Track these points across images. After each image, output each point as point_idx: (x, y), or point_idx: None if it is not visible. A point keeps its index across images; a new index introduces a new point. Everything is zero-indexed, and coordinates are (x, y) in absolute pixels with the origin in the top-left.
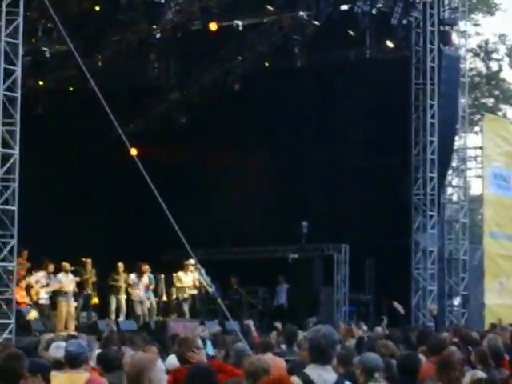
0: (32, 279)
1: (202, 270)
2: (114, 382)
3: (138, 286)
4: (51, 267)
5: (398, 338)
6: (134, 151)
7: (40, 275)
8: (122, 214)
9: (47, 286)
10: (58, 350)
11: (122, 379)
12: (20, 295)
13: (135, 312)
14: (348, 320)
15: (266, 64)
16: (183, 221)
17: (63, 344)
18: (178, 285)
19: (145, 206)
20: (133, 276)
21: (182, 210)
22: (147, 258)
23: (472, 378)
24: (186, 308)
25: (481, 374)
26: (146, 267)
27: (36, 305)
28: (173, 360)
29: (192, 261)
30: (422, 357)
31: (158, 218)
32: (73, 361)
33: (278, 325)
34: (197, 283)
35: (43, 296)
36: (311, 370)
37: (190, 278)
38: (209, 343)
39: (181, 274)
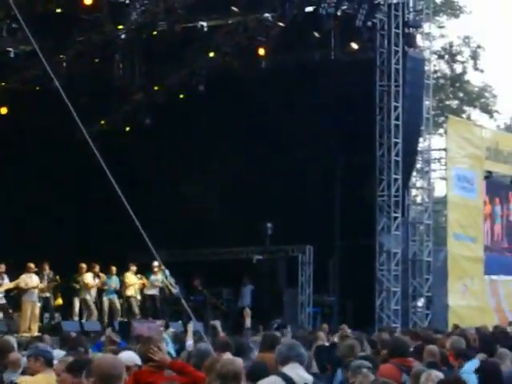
0: None
1: (166, 272)
2: None
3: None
4: (1, 267)
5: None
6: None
7: None
8: (87, 215)
9: (0, 285)
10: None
11: None
12: None
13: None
14: (312, 321)
15: (231, 65)
16: (147, 222)
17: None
18: (128, 285)
19: (110, 206)
20: (88, 276)
21: (146, 211)
22: (112, 260)
23: (427, 378)
24: (134, 308)
25: (435, 374)
26: (112, 268)
27: None
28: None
29: (155, 263)
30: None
31: (123, 218)
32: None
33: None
34: (145, 282)
35: None
36: (288, 370)
37: (134, 279)
38: (170, 343)
39: (127, 274)
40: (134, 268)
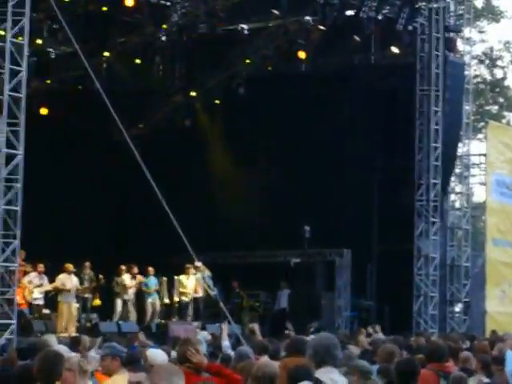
0: (25, 280)
1: (208, 273)
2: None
3: (131, 288)
4: (41, 267)
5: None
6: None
7: (32, 275)
8: (127, 217)
9: (40, 285)
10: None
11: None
12: (21, 296)
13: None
14: (349, 325)
15: (271, 68)
16: (187, 225)
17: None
18: (181, 289)
19: (150, 209)
20: (126, 277)
21: (186, 214)
22: (151, 261)
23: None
24: (189, 311)
25: (485, 380)
26: (150, 269)
27: (31, 305)
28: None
29: (197, 263)
30: None
31: (163, 221)
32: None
33: (290, 327)
34: (199, 287)
35: (37, 296)
36: (321, 374)
37: (191, 282)
38: (204, 345)
39: (182, 277)
40: (192, 270)
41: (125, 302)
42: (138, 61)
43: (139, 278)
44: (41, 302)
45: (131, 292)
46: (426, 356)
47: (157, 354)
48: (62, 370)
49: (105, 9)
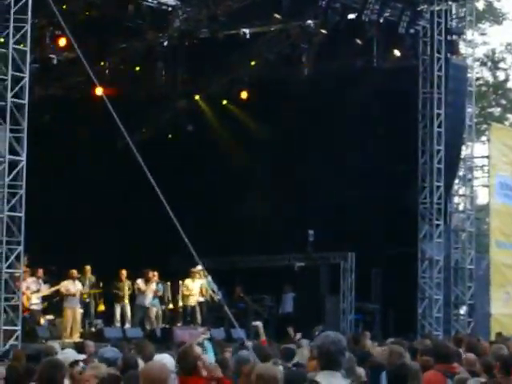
0: (22, 286)
1: (209, 278)
2: None
3: (146, 293)
4: (40, 272)
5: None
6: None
7: (29, 281)
8: (130, 222)
9: (38, 291)
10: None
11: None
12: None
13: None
14: (354, 328)
15: (273, 72)
16: (190, 229)
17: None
18: (186, 292)
19: (153, 214)
20: (140, 282)
21: (190, 218)
22: (154, 266)
23: None
24: (197, 315)
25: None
26: (154, 274)
27: (28, 311)
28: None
29: (199, 267)
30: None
31: (166, 226)
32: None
33: (291, 331)
34: (204, 291)
35: (35, 301)
36: (322, 378)
37: (197, 285)
38: (210, 351)
39: (188, 281)
40: (197, 274)
41: (141, 307)
42: (139, 66)
43: (155, 283)
44: (38, 308)
45: (148, 297)
46: (433, 357)
47: (164, 359)
48: (63, 378)
49: (104, 16)
